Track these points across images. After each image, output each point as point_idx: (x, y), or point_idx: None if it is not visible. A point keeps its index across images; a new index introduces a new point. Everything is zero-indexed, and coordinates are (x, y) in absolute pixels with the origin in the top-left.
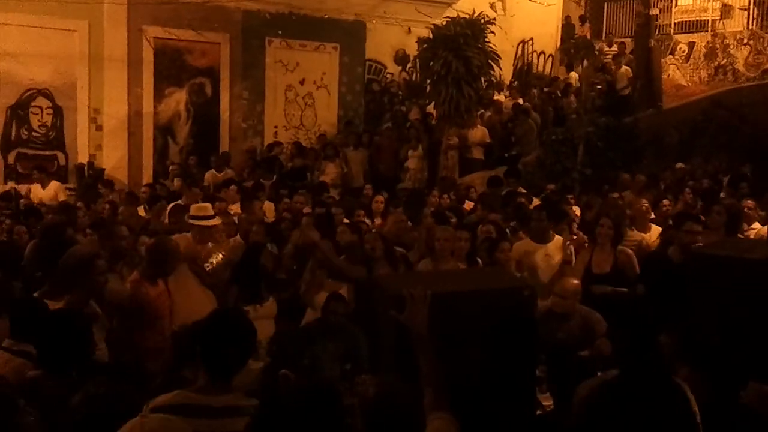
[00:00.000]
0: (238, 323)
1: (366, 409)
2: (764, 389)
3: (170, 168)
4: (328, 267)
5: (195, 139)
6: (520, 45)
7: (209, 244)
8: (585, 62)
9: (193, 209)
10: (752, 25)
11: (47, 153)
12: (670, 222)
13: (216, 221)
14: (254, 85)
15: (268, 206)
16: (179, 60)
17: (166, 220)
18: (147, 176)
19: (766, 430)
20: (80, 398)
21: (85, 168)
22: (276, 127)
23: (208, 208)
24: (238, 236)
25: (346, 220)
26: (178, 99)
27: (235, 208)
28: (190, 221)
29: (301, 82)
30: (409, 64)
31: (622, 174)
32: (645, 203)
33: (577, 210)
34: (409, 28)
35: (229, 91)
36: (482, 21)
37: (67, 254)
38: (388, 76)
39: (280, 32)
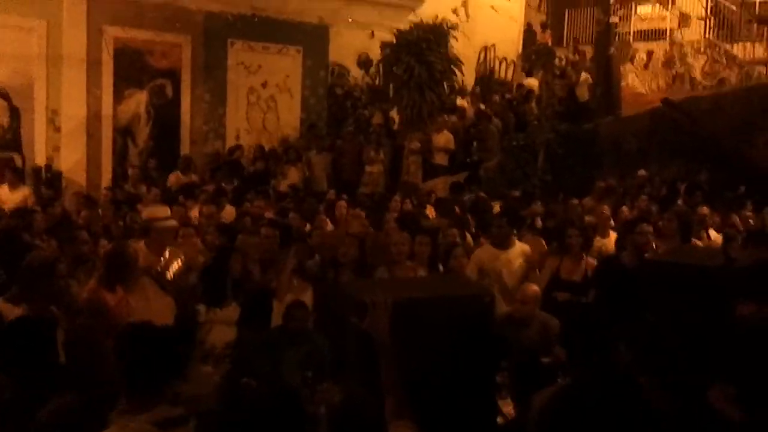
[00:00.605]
0: (140, 340)
1: (332, 416)
2: (728, 390)
3: (130, 171)
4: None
5: (155, 142)
6: (483, 51)
7: (167, 250)
8: (541, 68)
9: (147, 213)
10: (709, 34)
11: (4, 155)
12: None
13: (173, 223)
14: (216, 87)
15: (230, 210)
16: (140, 61)
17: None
18: (106, 179)
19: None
20: (48, 412)
21: (43, 170)
22: (238, 130)
23: (163, 210)
24: (199, 241)
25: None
26: (138, 100)
27: (194, 212)
28: (146, 225)
29: (264, 85)
30: (372, 69)
31: (597, 182)
32: (606, 209)
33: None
34: (373, 33)
35: (190, 93)
36: (445, 27)
37: (27, 259)
38: (351, 80)
39: (242, 34)
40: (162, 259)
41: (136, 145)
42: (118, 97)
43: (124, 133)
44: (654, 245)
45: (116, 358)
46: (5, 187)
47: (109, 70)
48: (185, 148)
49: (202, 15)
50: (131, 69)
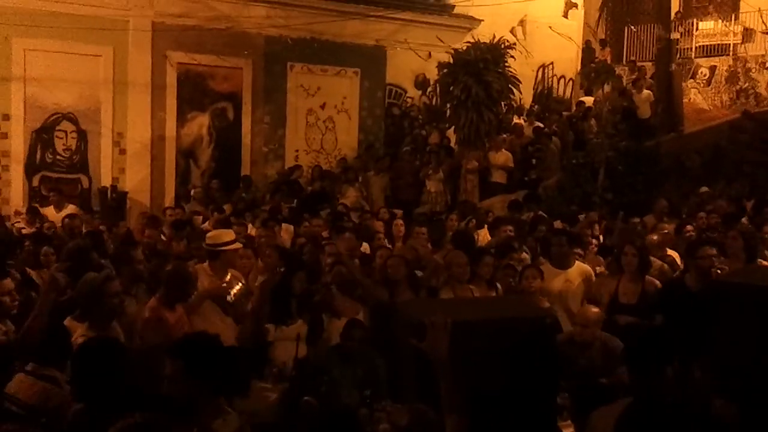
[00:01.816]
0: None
1: None
2: None
3: (192, 192)
4: (351, 286)
5: (217, 163)
6: (540, 69)
7: (229, 273)
8: (606, 86)
9: (213, 236)
10: None
11: (71, 176)
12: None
13: (239, 246)
14: (275, 109)
15: (287, 229)
16: (202, 85)
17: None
18: (169, 199)
19: None
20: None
21: (108, 191)
22: (297, 150)
23: (229, 234)
24: (260, 261)
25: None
26: (200, 123)
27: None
28: (211, 248)
29: (322, 107)
30: (430, 89)
31: (660, 200)
32: (667, 228)
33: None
34: (430, 53)
35: (250, 115)
36: (502, 46)
37: (81, 280)
38: (408, 100)
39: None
40: (225, 282)
41: (198, 166)
42: (181, 119)
43: (186, 154)
44: (719, 265)
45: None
46: (51, 208)
47: (173, 93)
48: (246, 169)
49: (263, 39)
50: (194, 92)
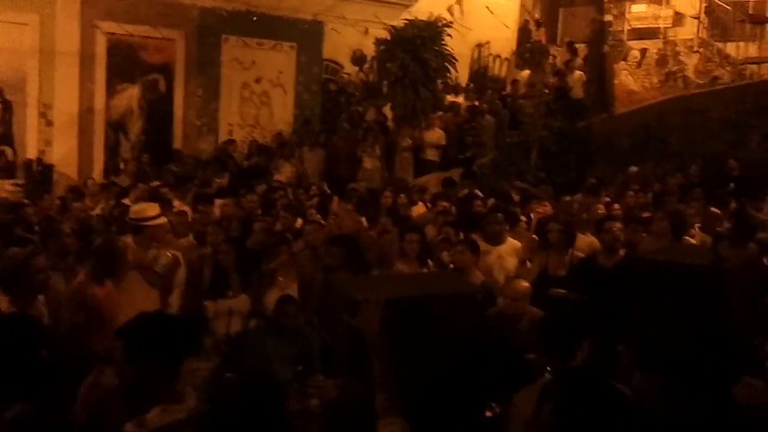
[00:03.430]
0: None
1: (326, 411)
2: (754, 383)
3: (122, 165)
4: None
5: (147, 136)
6: (477, 48)
7: (156, 245)
8: (535, 66)
9: (137, 210)
10: (702, 33)
11: None
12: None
13: (164, 221)
14: (209, 82)
15: (219, 205)
16: (133, 56)
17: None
18: (97, 173)
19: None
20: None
21: (34, 164)
22: (231, 125)
23: (153, 208)
24: (191, 236)
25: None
26: (131, 95)
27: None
28: (135, 223)
29: (257, 81)
30: (366, 65)
31: (589, 179)
32: (598, 206)
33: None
34: (367, 29)
35: (183, 88)
36: (440, 24)
37: (5, 255)
38: (345, 76)
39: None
40: (150, 254)
41: (128, 139)
42: (111, 91)
43: (116, 127)
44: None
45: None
46: None
47: (102, 64)
48: (178, 143)
49: (197, 10)
50: (124, 64)
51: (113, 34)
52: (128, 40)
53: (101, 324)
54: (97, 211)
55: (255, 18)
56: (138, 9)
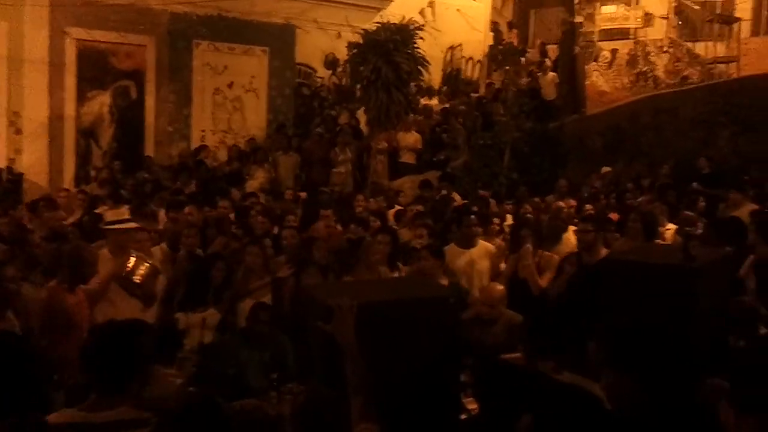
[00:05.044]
0: (118, 336)
1: (296, 416)
2: (716, 383)
3: (93, 173)
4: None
5: (119, 143)
6: (449, 51)
7: (133, 255)
8: (507, 68)
9: (108, 215)
10: (672, 33)
11: None
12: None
13: (132, 225)
14: (181, 88)
15: (190, 211)
16: (103, 62)
17: None
18: (68, 181)
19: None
20: None
21: (4, 173)
22: (203, 131)
23: (123, 212)
24: (164, 245)
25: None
26: (101, 102)
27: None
28: (106, 227)
29: (230, 86)
30: (339, 69)
31: (561, 180)
32: (568, 207)
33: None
34: (339, 33)
35: (154, 94)
36: (412, 27)
37: None
38: (318, 80)
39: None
40: (128, 263)
41: (99, 147)
42: (81, 98)
43: (87, 134)
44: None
45: (80, 355)
46: None
47: (72, 71)
48: (150, 150)
49: (167, 16)
50: (94, 70)
51: (83, 40)
52: (98, 47)
53: (71, 331)
54: (71, 220)
55: (226, 23)
56: (108, 15)
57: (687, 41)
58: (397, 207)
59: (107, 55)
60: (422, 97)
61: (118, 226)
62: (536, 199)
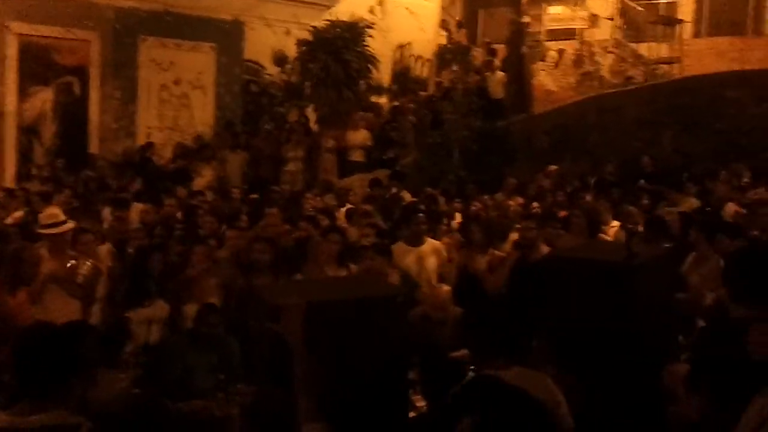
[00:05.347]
0: (46, 338)
1: (244, 418)
2: (678, 369)
3: (34, 171)
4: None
5: (62, 141)
6: (399, 49)
7: (72, 254)
8: (456, 67)
9: (42, 218)
10: (617, 34)
11: None
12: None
13: (68, 226)
14: (126, 84)
15: (137, 209)
16: (46, 58)
17: None
18: (9, 178)
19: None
20: None
21: None
22: (149, 128)
23: (57, 213)
24: (109, 244)
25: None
26: (44, 98)
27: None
28: (40, 231)
29: (176, 82)
30: (288, 66)
31: (509, 178)
32: (515, 205)
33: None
34: (288, 30)
35: (99, 90)
36: (361, 25)
37: None
38: (267, 77)
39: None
40: (68, 264)
41: (42, 144)
42: (23, 94)
43: (29, 131)
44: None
45: (12, 357)
46: None
47: (13, 66)
48: (94, 147)
49: (112, 10)
50: (37, 66)
51: (25, 35)
52: (41, 42)
53: (11, 334)
54: (10, 220)
55: (173, 18)
56: (51, 9)
57: (631, 42)
58: (348, 205)
59: (50, 51)
60: (372, 95)
61: (51, 230)
62: (485, 197)
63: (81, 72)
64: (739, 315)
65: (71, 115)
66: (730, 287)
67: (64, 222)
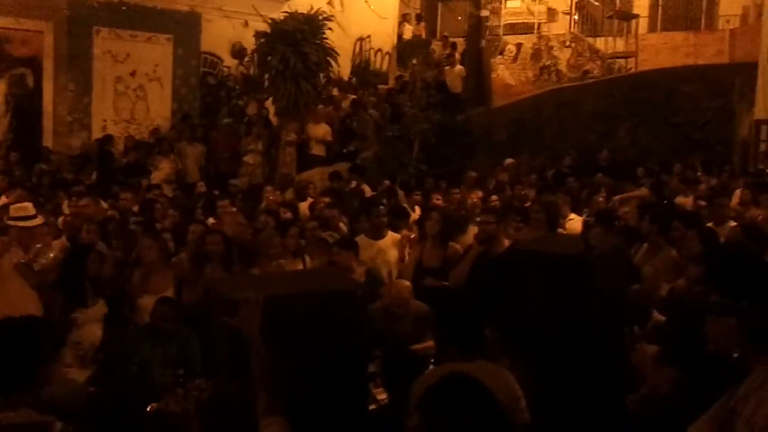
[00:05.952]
0: (8, 335)
1: (201, 412)
2: (647, 348)
3: None
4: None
5: (15, 134)
6: (358, 42)
7: (40, 247)
8: (415, 60)
9: (13, 210)
10: (574, 28)
11: None
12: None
13: (38, 221)
14: (81, 76)
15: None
16: None
17: None
18: None
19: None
20: None
21: None
22: (105, 120)
23: (28, 207)
24: (63, 238)
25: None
26: None
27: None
28: (9, 223)
29: (132, 74)
30: (247, 58)
31: (469, 172)
32: (474, 198)
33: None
34: (246, 22)
35: (53, 82)
36: (320, 17)
37: None
38: (224, 69)
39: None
40: (32, 252)
41: None
42: None
43: None
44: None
45: None
46: None
47: None
48: (48, 140)
49: (66, 1)
50: None
51: None
52: None
53: None
54: None
55: (128, 9)
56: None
57: (588, 36)
58: (310, 199)
59: (2, 42)
60: (331, 88)
61: (23, 223)
62: (445, 189)
63: (34, 63)
64: (716, 301)
65: (24, 107)
66: (710, 276)
67: (34, 216)
